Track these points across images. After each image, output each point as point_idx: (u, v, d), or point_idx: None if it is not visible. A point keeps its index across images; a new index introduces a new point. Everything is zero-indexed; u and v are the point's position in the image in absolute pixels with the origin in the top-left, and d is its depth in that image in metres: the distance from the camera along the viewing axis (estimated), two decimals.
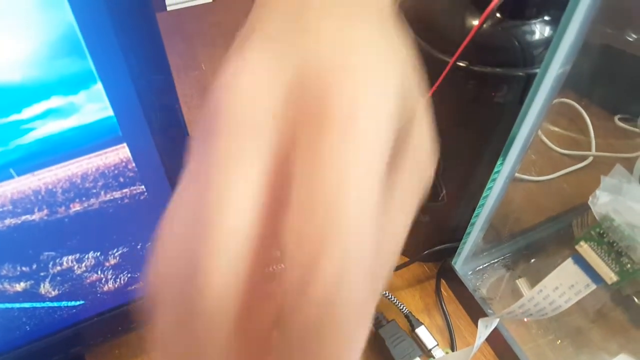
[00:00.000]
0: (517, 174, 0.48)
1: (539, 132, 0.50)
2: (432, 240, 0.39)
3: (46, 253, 0.26)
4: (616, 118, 0.51)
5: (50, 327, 0.30)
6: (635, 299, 0.37)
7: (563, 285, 0.24)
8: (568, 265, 0.24)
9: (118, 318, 0.32)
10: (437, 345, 0.35)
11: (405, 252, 0.43)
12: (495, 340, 0.36)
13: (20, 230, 0.24)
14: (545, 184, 0.48)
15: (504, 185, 0.34)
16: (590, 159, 0.48)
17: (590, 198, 0.24)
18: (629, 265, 0.22)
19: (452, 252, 0.39)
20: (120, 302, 0.31)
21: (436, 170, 0.36)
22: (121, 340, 0.34)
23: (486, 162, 0.34)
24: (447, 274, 0.40)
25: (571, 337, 0.37)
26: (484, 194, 0.34)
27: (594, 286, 0.23)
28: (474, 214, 0.35)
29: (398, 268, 0.40)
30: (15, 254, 0.25)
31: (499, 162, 0.32)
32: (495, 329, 0.36)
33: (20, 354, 0.30)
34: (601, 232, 0.23)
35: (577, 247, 0.24)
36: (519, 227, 0.43)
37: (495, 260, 0.41)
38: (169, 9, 0.67)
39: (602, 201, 0.23)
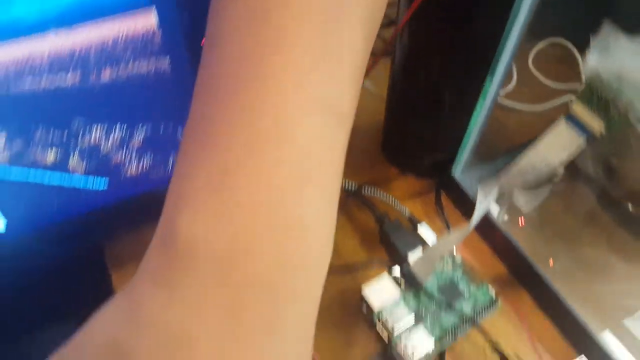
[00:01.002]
0: (509, 102, 0.50)
1: (531, 67, 0.52)
2: (432, 153, 0.42)
3: (76, 121, 0.27)
4: None
5: (75, 209, 0.31)
6: (628, 205, 0.39)
7: (557, 145, 0.26)
8: (561, 125, 0.26)
9: (140, 207, 0.34)
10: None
11: (403, 166, 0.45)
12: (492, 236, 0.38)
13: (55, 93, 0.26)
14: (537, 114, 0.50)
15: (496, 94, 0.35)
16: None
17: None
18: (616, 117, 0.25)
19: (451, 165, 0.41)
20: (143, 189, 0.33)
21: (438, 78, 0.38)
22: (141, 234, 0.36)
23: (482, 75, 0.36)
24: (447, 185, 0.42)
25: (564, 238, 0.39)
26: (477, 106, 0.36)
27: (584, 143, 0.26)
28: (471, 123, 0.38)
29: (396, 177, 0.42)
30: (48, 118, 0.27)
31: (488, 76, 0.34)
32: (492, 227, 0.38)
33: (44, 237, 0.32)
34: (591, 89, 0.25)
35: (570, 108, 0.26)
36: (513, 145, 0.45)
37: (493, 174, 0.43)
38: None
39: (592, 61, 0.25)
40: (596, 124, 0.25)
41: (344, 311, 0.36)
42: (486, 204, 0.30)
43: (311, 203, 0.17)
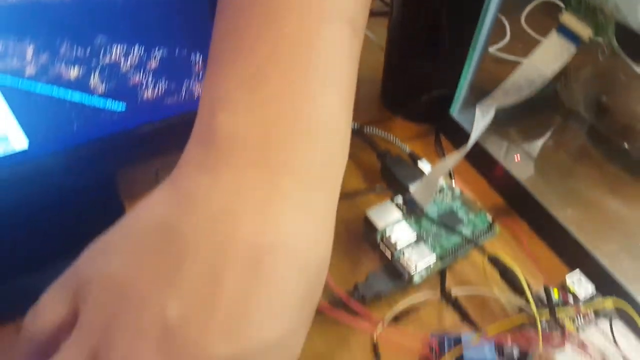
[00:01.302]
0: (503, 55, 0.52)
1: (523, 24, 0.54)
2: (430, 94, 0.43)
3: (99, 37, 0.29)
4: None
5: (94, 132, 0.33)
6: (624, 143, 0.41)
7: (549, 56, 0.28)
8: (552, 36, 0.28)
9: (155, 135, 0.35)
10: None
11: (403, 112, 0.46)
12: (490, 170, 0.40)
13: (80, 4, 0.27)
14: None
15: (487, 36, 0.37)
16: None
17: None
18: (603, 22, 0.26)
19: (448, 108, 0.43)
20: (158, 116, 0.34)
21: (434, 23, 0.41)
22: (153, 166, 0.37)
23: (474, 19, 0.38)
24: (445, 127, 0.44)
25: (559, 172, 0.41)
26: (470, 50, 0.38)
27: (573, 50, 0.27)
28: (466, 65, 0.40)
29: (396, 123, 0.44)
30: (74, 32, 0.28)
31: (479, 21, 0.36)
32: (490, 161, 0.40)
33: (64, 160, 0.33)
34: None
35: (560, 18, 0.28)
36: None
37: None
38: None
39: None
40: (585, 31, 0.27)
41: (349, 238, 0.37)
42: (484, 123, 0.32)
43: (332, 102, 0.19)
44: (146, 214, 0.19)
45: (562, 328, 0.28)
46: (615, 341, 0.29)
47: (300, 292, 0.18)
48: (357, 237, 0.37)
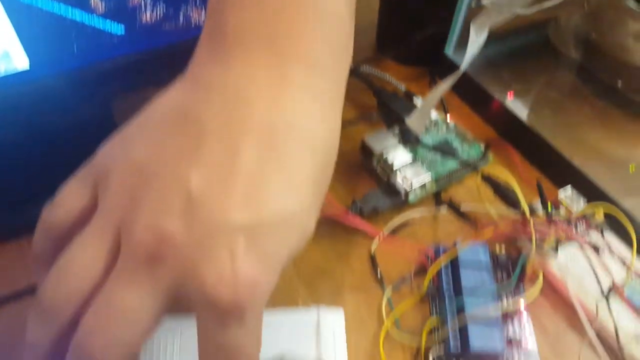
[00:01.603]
0: None
1: None
2: (425, 32, 0.44)
3: None
4: None
5: (93, 54, 0.33)
6: (618, 82, 0.42)
7: None
8: None
9: (152, 63, 0.36)
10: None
11: (399, 55, 0.47)
12: (484, 106, 0.41)
13: None
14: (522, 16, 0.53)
15: None
16: None
17: None
18: None
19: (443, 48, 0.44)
20: (156, 42, 0.35)
21: None
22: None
23: None
24: (441, 70, 0.45)
25: (551, 110, 0.42)
26: None
27: None
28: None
29: (392, 67, 0.45)
30: None
31: None
32: (485, 97, 0.41)
33: (61, 81, 0.33)
34: None
35: None
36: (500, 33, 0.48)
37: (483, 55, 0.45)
38: None
39: None
40: None
41: (346, 166, 0.38)
42: (477, 43, 0.33)
43: None
44: (162, 104, 0.20)
45: (555, 225, 0.28)
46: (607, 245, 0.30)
47: (313, 170, 0.19)
48: (354, 164, 0.38)
